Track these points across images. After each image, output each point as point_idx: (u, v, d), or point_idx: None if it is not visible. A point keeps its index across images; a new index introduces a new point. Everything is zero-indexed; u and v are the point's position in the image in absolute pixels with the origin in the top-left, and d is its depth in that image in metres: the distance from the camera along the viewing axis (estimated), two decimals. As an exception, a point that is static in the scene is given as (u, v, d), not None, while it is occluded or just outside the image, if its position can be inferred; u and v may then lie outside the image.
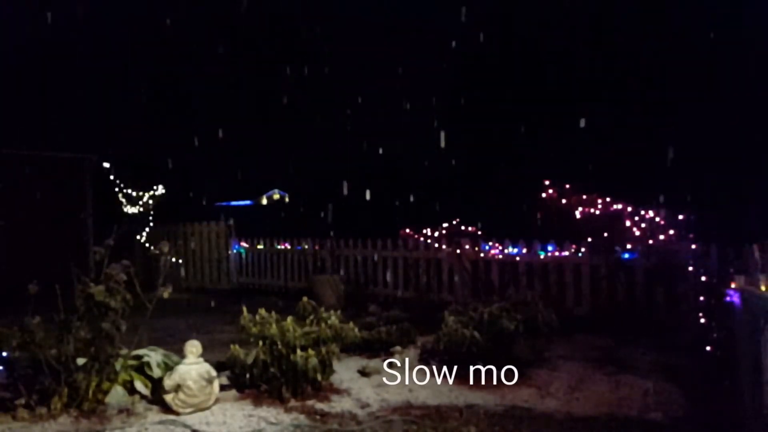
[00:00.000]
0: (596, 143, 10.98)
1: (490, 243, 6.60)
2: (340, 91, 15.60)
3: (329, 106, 15.60)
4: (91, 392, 3.46)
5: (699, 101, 9.79)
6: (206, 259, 9.71)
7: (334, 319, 4.05)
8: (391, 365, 4.40)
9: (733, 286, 3.20)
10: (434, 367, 4.33)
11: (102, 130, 11.73)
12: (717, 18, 10.10)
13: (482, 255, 6.63)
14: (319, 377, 3.75)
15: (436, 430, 3.22)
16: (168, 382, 3.47)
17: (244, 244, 9.50)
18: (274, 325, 3.82)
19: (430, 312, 5.50)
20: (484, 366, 4.13)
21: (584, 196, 5.75)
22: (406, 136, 14.01)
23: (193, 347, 3.61)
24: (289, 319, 3.93)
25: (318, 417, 3.43)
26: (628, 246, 5.50)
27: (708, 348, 4.05)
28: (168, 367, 3.66)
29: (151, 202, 10.52)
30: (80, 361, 3.53)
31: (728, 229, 5.10)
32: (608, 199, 5.63)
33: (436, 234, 7.46)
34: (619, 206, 5.55)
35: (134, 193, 10.46)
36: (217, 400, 3.61)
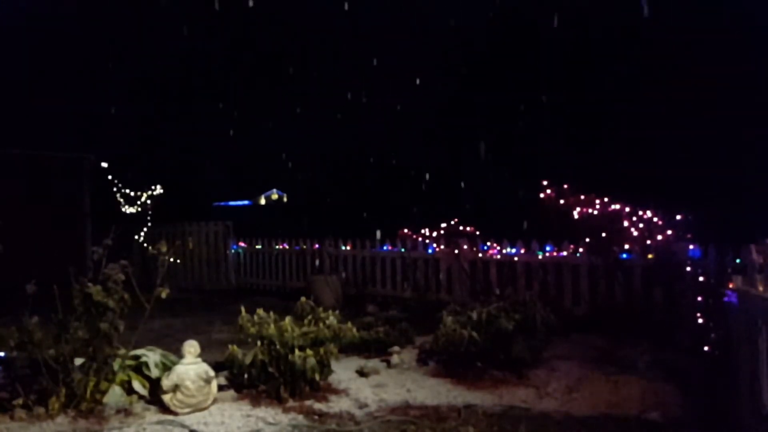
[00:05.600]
0: (594, 143, 11.00)
1: (489, 243, 6.60)
2: (339, 91, 15.60)
3: (329, 106, 15.60)
4: (89, 392, 3.45)
5: (698, 101, 9.81)
6: (204, 259, 9.69)
7: (332, 319, 4.05)
8: (389, 365, 4.40)
9: (730, 286, 3.21)
10: (432, 367, 4.33)
11: (100, 130, 11.71)
12: (718, 17, 10.12)
13: (480, 255, 6.63)
14: (317, 377, 3.75)
15: (435, 430, 3.22)
16: (166, 383, 3.47)
17: (242, 244, 9.48)
18: (272, 325, 3.82)
19: (429, 312, 5.50)
20: (482, 366, 4.13)
21: (582, 197, 5.75)
22: (405, 137, 14.03)
23: (191, 347, 3.60)
24: (288, 319, 3.93)
25: (316, 417, 3.42)
26: (626, 246, 5.51)
27: (706, 348, 4.06)
28: (166, 368, 3.66)
29: (149, 201, 10.51)
30: (78, 361, 3.52)
31: (726, 229, 5.11)
32: (606, 200, 5.63)
33: (435, 234, 7.46)
34: (617, 206, 5.55)
35: (132, 193, 10.45)
36: (215, 401, 3.61)
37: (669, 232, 5.20)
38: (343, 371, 4.21)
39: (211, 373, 3.58)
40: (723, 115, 9.59)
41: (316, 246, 8.49)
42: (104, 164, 10.36)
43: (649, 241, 5.33)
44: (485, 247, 6.61)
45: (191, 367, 3.51)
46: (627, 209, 5.51)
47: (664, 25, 11.20)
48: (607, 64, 11.92)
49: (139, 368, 3.71)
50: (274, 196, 22.03)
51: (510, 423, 3.30)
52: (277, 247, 9.00)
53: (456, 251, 6.82)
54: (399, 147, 13.98)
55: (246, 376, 3.79)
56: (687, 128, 9.82)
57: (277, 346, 3.74)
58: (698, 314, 4.35)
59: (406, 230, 7.90)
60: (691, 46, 10.41)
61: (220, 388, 3.74)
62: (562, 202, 5.80)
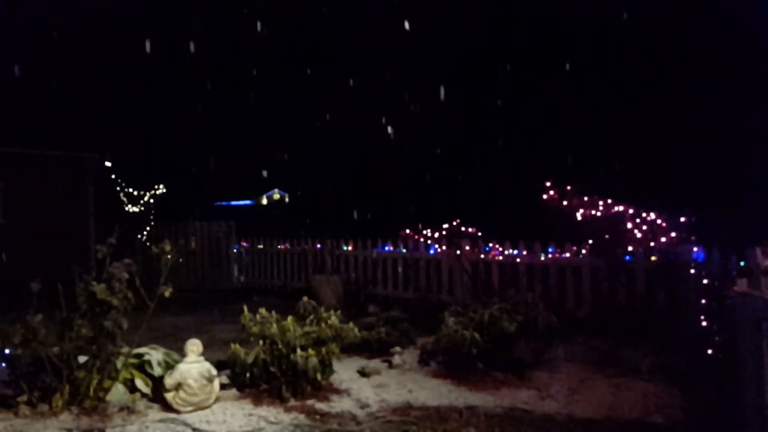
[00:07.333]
0: (598, 145, 10.98)
1: (491, 244, 6.59)
2: (340, 91, 15.62)
3: (330, 106, 15.62)
4: (92, 390, 3.47)
5: (701, 104, 9.79)
6: (207, 258, 9.72)
7: (334, 319, 4.05)
8: (390, 366, 4.41)
9: (734, 289, 3.20)
10: (434, 368, 4.33)
11: (104, 130, 11.75)
12: (720, 20, 10.10)
13: (482, 256, 6.62)
14: (318, 377, 3.76)
15: (436, 431, 3.22)
16: (169, 381, 3.48)
17: (244, 243, 9.50)
18: (274, 325, 3.83)
19: (430, 313, 5.50)
20: (484, 367, 4.13)
21: (585, 198, 5.74)
22: (407, 137, 14.03)
23: (194, 346, 3.61)
24: (290, 318, 3.94)
25: (318, 417, 3.43)
26: (630, 248, 5.50)
27: (709, 351, 4.04)
28: (169, 366, 3.67)
29: (152, 201, 10.55)
30: (82, 358, 3.54)
31: (730, 231, 5.09)
32: (609, 201, 5.63)
33: (436, 235, 7.46)
34: (621, 208, 5.54)
35: (135, 192, 10.49)
36: (217, 399, 3.62)
37: (673, 234, 5.19)
38: (344, 371, 4.21)
39: (214, 371, 3.59)
40: (727, 116, 9.56)
41: (318, 246, 8.50)
42: (108, 163, 10.40)
43: (652, 243, 5.32)
44: (487, 249, 6.60)
45: (194, 365, 3.52)
46: (630, 211, 5.51)
47: (669, 28, 11.18)
48: (610, 66, 11.91)
49: (142, 366, 3.72)
50: (276, 196, 22.04)
51: (511, 424, 3.29)
52: (279, 247, 9.01)
53: (458, 252, 6.82)
54: (401, 147, 13.98)
55: (248, 375, 3.80)
56: (691, 130, 9.79)
57: (279, 346, 3.74)
58: (701, 317, 4.34)
59: (407, 231, 7.91)
60: (695, 47, 10.39)
61: (222, 386, 3.75)
62: (565, 203, 5.80)
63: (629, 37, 11.68)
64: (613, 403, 3.61)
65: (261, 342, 3.81)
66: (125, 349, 3.66)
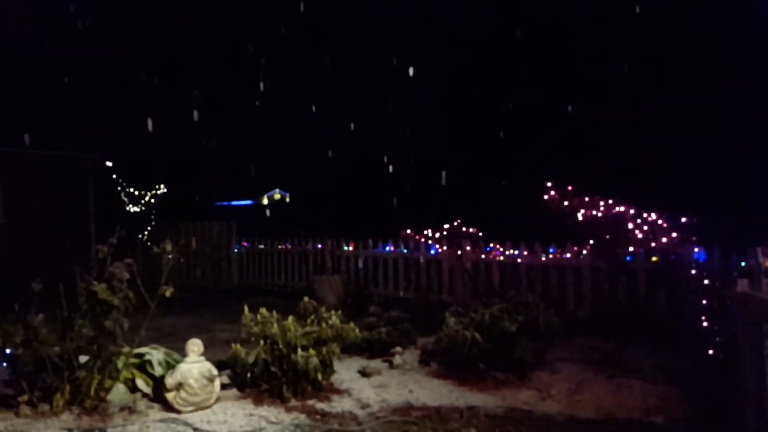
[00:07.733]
0: (600, 146, 10.98)
1: (491, 244, 6.60)
2: (341, 91, 15.64)
3: (331, 106, 15.62)
4: (93, 390, 3.47)
5: (702, 103, 9.79)
6: (208, 258, 9.72)
7: (335, 319, 4.05)
8: (391, 366, 4.41)
9: (736, 289, 3.20)
10: (435, 368, 4.33)
11: (105, 130, 11.75)
12: (721, 18, 10.10)
13: (483, 256, 6.62)
14: (319, 377, 3.76)
15: (437, 431, 3.23)
16: (169, 381, 3.48)
17: (245, 243, 9.51)
18: (275, 325, 3.83)
19: (431, 313, 5.50)
20: (484, 367, 4.13)
21: (586, 198, 5.75)
22: (408, 137, 14.04)
23: (195, 346, 3.62)
24: (290, 318, 3.94)
25: (318, 417, 3.43)
26: (630, 248, 5.50)
27: (710, 351, 4.05)
28: (169, 366, 3.67)
29: (152, 201, 10.56)
30: (83, 358, 3.55)
31: (731, 231, 5.09)
32: (611, 202, 5.63)
33: (437, 235, 7.46)
34: (622, 209, 5.54)
35: (136, 192, 10.50)
36: (218, 399, 3.62)
37: (673, 234, 5.19)
38: (345, 371, 4.21)
39: (215, 371, 3.59)
40: (727, 116, 9.57)
41: (319, 246, 8.50)
42: (108, 163, 10.41)
43: (653, 244, 5.32)
44: (488, 249, 6.61)
45: (194, 365, 3.53)
46: (631, 211, 5.51)
47: (670, 27, 11.18)
48: (611, 65, 11.91)
49: (143, 366, 3.73)
50: (277, 196, 22.06)
51: (512, 425, 3.29)
52: (279, 247, 9.01)
53: (458, 252, 6.82)
54: (401, 147, 13.98)
55: (249, 375, 3.80)
56: (692, 130, 9.79)
57: (280, 346, 3.75)
58: (702, 317, 4.34)
59: (408, 231, 7.91)
60: (696, 46, 10.39)
61: (223, 386, 3.75)
62: (566, 203, 5.80)
63: (630, 36, 11.68)
64: (614, 404, 3.61)
65: (262, 342, 3.81)
66: (126, 349, 3.66)
